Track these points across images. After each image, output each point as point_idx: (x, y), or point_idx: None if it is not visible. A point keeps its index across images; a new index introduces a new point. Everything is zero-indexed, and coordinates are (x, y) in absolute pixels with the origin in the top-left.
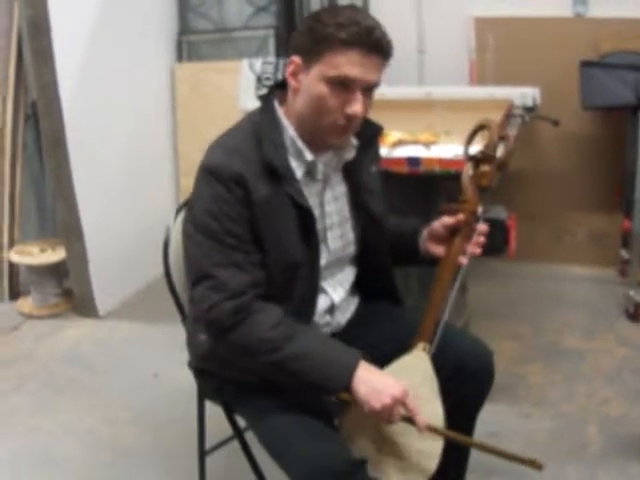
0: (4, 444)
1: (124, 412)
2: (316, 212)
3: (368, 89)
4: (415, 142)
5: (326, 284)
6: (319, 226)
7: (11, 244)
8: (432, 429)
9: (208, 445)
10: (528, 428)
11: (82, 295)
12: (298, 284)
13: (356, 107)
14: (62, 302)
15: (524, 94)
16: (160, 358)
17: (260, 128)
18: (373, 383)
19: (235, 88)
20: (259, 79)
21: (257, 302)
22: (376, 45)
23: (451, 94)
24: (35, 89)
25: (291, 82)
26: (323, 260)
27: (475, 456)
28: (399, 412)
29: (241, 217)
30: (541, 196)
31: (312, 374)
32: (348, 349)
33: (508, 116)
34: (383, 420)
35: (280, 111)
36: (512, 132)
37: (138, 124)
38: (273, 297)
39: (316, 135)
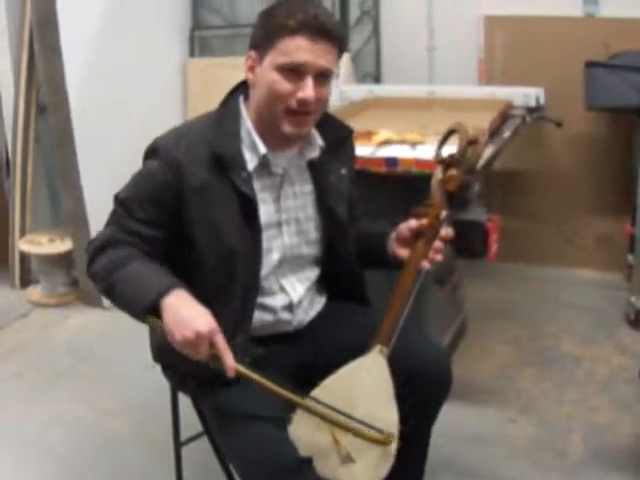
0: None
1: (115, 401)
2: (271, 206)
3: (321, 76)
4: (402, 142)
5: (285, 282)
6: (273, 219)
7: (22, 233)
8: (241, 373)
9: (189, 435)
10: (512, 434)
11: (88, 285)
12: (239, 274)
13: (307, 92)
14: (70, 292)
15: (527, 94)
16: None
17: (219, 118)
18: (180, 313)
19: None
20: None
21: (119, 243)
22: (322, 29)
23: (453, 93)
24: (43, 84)
25: (249, 77)
26: (277, 254)
27: (451, 456)
28: (205, 350)
29: (158, 199)
30: (548, 198)
31: (127, 295)
32: (171, 278)
33: (504, 116)
34: (189, 353)
35: (243, 105)
36: (507, 133)
37: (148, 118)
38: (216, 287)
39: (272, 124)
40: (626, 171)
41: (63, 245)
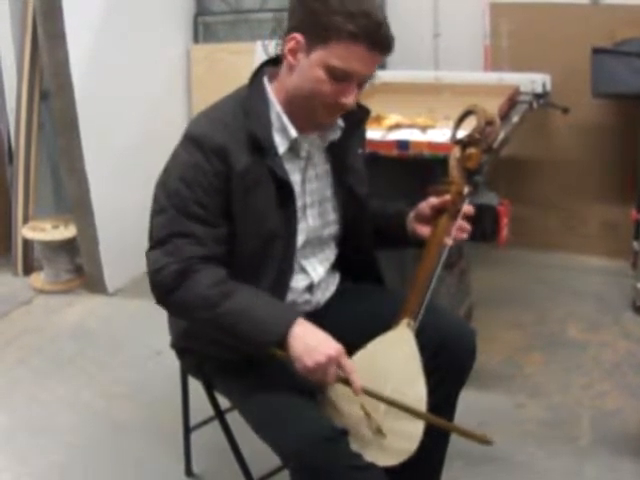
0: (4, 413)
1: (122, 387)
2: (297, 188)
3: (362, 81)
4: (412, 126)
5: (306, 263)
6: (299, 202)
7: (25, 220)
8: (368, 392)
9: (198, 420)
10: (520, 418)
11: (92, 272)
12: (275, 257)
13: (350, 99)
14: (74, 278)
15: (533, 80)
16: (164, 336)
17: (247, 102)
18: (308, 340)
19: (250, 69)
20: None
21: (200, 264)
22: (382, 42)
23: (460, 79)
24: (47, 69)
25: (289, 59)
26: (302, 236)
27: (461, 441)
28: (334, 372)
29: (213, 189)
30: (554, 185)
31: (247, 328)
32: (288, 307)
33: (512, 102)
34: (318, 380)
35: (269, 87)
36: (515, 118)
37: (152, 104)
38: (249, 270)
39: (305, 114)
40: (632, 158)
41: (67, 231)
